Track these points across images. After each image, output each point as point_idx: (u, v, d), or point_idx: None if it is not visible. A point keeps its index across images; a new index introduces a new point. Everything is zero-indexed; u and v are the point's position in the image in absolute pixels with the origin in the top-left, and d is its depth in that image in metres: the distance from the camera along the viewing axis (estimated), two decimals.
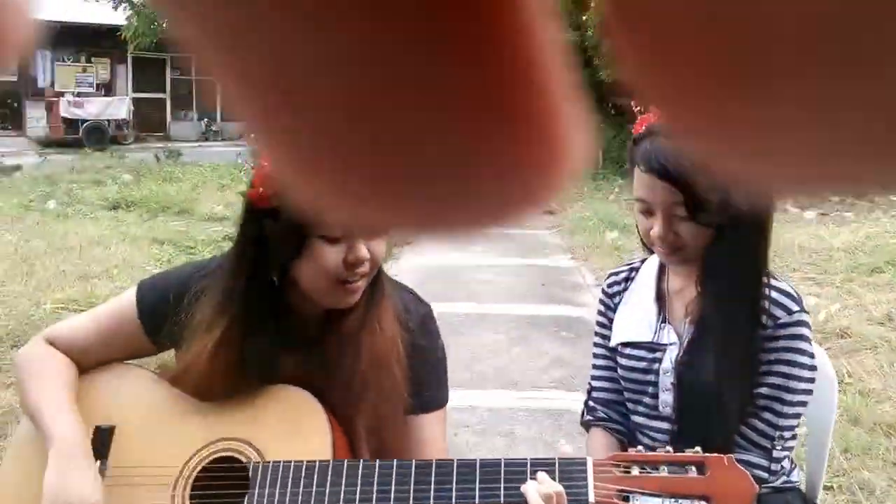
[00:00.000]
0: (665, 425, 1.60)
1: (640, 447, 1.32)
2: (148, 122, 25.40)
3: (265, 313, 1.41)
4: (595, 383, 1.75)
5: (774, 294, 1.52)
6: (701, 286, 1.54)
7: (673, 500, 1.24)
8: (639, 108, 1.62)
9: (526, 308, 6.07)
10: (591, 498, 1.27)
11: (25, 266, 6.44)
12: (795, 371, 1.50)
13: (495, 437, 3.79)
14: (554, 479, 1.28)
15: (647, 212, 1.51)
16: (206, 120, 27.54)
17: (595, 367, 1.76)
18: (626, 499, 1.25)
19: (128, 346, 1.54)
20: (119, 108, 23.93)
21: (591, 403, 1.75)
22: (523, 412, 4.09)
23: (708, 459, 1.26)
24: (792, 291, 1.54)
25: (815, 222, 9.04)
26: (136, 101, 24.96)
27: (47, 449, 1.38)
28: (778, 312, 1.51)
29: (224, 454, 1.41)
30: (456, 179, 0.14)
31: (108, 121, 23.48)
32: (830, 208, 10.07)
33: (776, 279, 1.55)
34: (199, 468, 1.40)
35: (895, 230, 8.14)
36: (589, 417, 1.75)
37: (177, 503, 1.38)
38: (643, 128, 1.52)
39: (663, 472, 1.26)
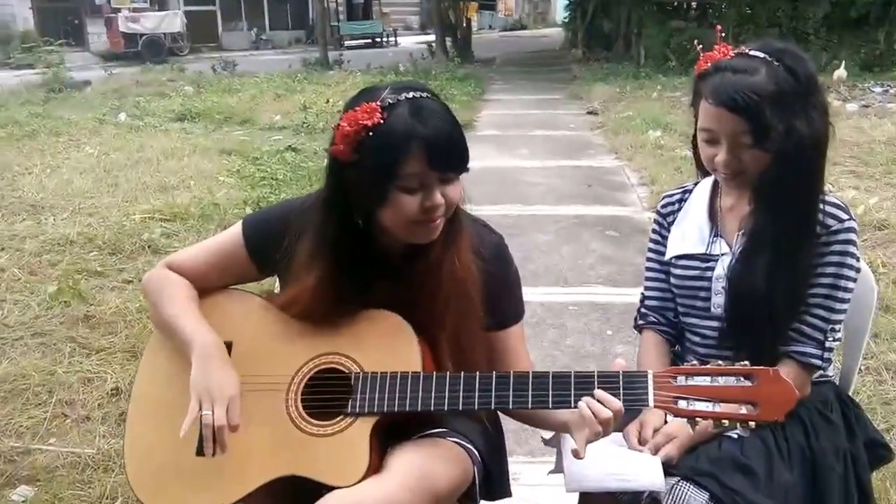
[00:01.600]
0: (715, 323, 1.72)
1: (693, 361, 1.41)
2: (200, 33, 25.31)
3: (356, 251, 1.52)
4: (648, 293, 1.88)
5: (826, 207, 1.62)
6: (755, 202, 1.63)
7: (722, 404, 1.34)
8: (700, 45, 1.69)
9: (573, 209, 6.11)
10: (651, 403, 1.39)
11: (109, 178, 6.68)
12: (844, 272, 1.62)
13: (548, 330, 3.94)
14: (618, 388, 1.41)
15: (712, 141, 1.59)
16: (255, 29, 27.33)
17: (648, 278, 1.88)
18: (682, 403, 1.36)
19: (237, 274, 1.69)
20: (173, 21, 23.92)
21: (643, 310, 1.89)
22: (573, 306, 4.22)
23: (755, 371, 1.35)
24: (841, 203, 1.65)
25: (858, 115, 8.73)
26: (188, 14, 24.84)
27: (188, 354, 1.54)
28: (829, 221, 1.62)
29: (328, 366, 1.54)
30: None
31: (164, 34, 23.50)
32: (873, 100, 9.73)
33: (827, 194, 1.64)
34: (307, 377, 1.55)
35: None
36: (641, 322, 1.89)
37: (290, 406, 1.53)
38: (708, 64, 1.59)
39: (714, 382, 1.36)
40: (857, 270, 1.64)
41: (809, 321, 1.64)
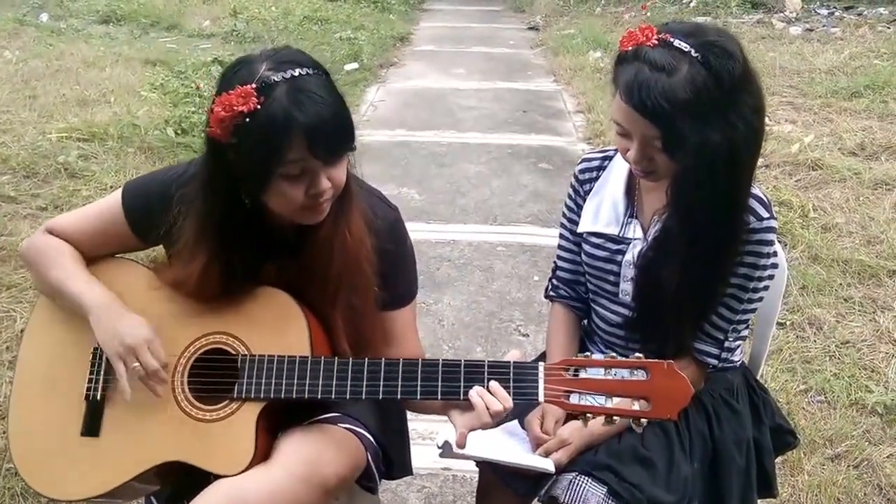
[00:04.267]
0: (623, 310, 1.67)
1: (588, 353, 1.37)
2: None
3: (244, 231, 1.47)
4: (560, 263, 1.82)
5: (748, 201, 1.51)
6: (670, 199, 1.52)
7: (615, 398, 1.31)
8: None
9: (507, 137, 6.05)
10: (541, 398, 1.36)
11: (27, 90, 6.33)
12: (756, 273, 1.55)
13: (475, 272, 3.94)
14: (508, 380, 1.38)
15: (624, 135, 1.48)
16: None
17: (560, 247, 1.81)
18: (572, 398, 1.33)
19: (120, 244, 1.65)
20: None
21: (555, 282, 1.84)
22: (501, 247, 4.21)
23: (649, 364, 1.31)
24: (763, 197, 1.54)
25: (801, 39, 8.61)
26: None
27: (86, 317, 1.52)
28: (748, 218, 1.51)
29: (215, 346, 1.52)
30: None
31: None
32: (818, 23, 9.67)
33: (752, 187, 1.53)
34: (194, 357, 1.52)
35: (881, 49, 7.70)
36: (552, 294, 1.85)
37: (176, 388, 1.51)
38: (630, 47, 1.43)
39: (608, 374, 1.32)
40: (774, 266, 1.58)
41: (713, 320, 1.59)
